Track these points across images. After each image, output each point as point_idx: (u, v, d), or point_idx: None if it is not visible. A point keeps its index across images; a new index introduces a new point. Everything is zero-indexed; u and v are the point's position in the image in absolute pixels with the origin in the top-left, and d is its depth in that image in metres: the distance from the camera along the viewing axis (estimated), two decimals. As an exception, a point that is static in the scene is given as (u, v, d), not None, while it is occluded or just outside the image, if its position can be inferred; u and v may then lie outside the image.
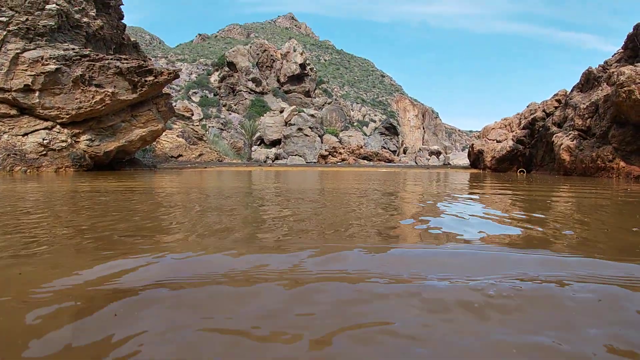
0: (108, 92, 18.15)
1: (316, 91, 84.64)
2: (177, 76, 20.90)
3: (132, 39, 23.98)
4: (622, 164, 17.75)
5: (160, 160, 29.51)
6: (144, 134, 20.29)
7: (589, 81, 23.25)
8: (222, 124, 65.32)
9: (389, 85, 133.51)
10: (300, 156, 55.04)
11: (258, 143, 59.80)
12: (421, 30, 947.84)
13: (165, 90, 22.68)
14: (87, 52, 18.39)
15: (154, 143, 30.37)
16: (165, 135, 33.04)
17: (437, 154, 57.71)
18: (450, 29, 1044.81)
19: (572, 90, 24.79)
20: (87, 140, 18.72)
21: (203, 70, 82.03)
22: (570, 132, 21.77)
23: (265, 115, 64.49)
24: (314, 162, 49.99)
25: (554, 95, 26.73)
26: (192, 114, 41.99)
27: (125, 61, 19.10)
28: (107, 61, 18.50)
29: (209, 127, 60.70)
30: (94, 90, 17.93)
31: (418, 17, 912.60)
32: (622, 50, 22.28)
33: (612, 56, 22.97)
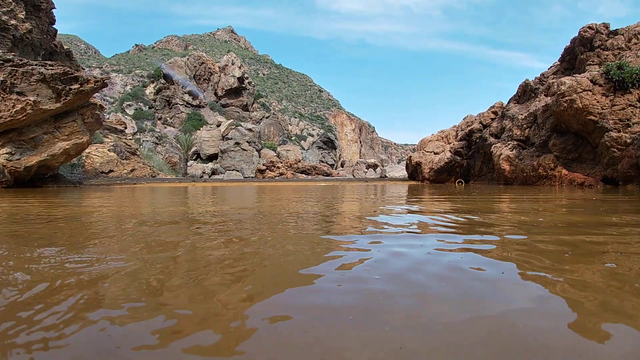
0: (30, 100, 15.63)
1: (254, 105, 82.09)
2: (104, 85, 18.65)
3: (65, 47, 21.65)
4: (564, 171, 17.36)
5: (90, 175, 26.92)
6: (67, 147, 17.68)
7: (525, 93, 23.06)
8: (157, 137, 61.60)
9: (326, 100, 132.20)
10: (238, 171, 52.91)
11: (194, 158, 56.91)
12: (358, 47, 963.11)
13: (94, 100, 20.54)
14: (11, 57, 15.90)
15: (84, 158, 27.82)
16: (96, 149, 30.44)
17: (374, 166, 57.26)
18: (387, 46, 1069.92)
19: (508, 102, 24.57)
20: (6, 153, 15.96)
21: (138, 81, 77.76)
22: (509, 142, 21.41)
23: (201, 129, 61.47)
24: (252, 177, 48.27)
25: (491, 107, 26.48)
26: (126, 127, 39.17)
27: (50, 67, 16.79)
28: (30, 67, 16.04)
29: (143, 141, 57.30)
30: (15, 98, 15.42)
31: (355, 34, 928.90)
32: (558, 63, 22.23)
33: (549, 69, 22.92)
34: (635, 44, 18.18)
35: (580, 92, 16.71)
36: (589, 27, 19.72)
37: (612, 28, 19.60)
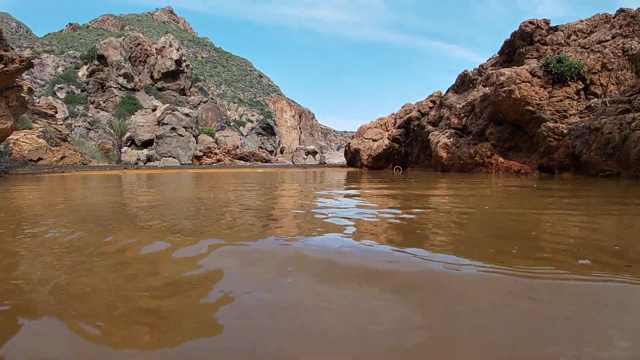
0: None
1: (192, 89, 78.00)
2: (31, 65, 16.68)
3: (-6, 26, 19.22)
4: (500, 159, 17.22)
5: (18, 164, 24.40)
6: (-13, 132, 15.87)
7: (464, 83, 22.91)
8: (89, 123, 57.07)
9: (266, 85, 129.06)
10: (175, 157, 50.13)
11: (128, 144, 53.20)
12: (300, 33, 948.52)
13: (22, 82, 18.40)
14: None
15: (11, 145, 25.22)
16: (25, 135, 27.69)
17: (314, 153, 56.59)
18: (329, 33, 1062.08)
19: (447, 92, 24.39)
20: None
21: (71, 63, 72.22)
22: (446, 131, 21.18)
23: (136, 113, 57.41)
24: (189, 164, 45.71)
25: (429, 96, 26.23)
26: (56, 112, 36.04)
27: (-30, 46, 14.69)
28: (-52, 45, 14.00)
29: (75, 126, 53.08)
30: None
31: (298, 20, 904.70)
32: (497, 56, 22.18)
33: (488, 61, 22.84)
34: (575, 40, 18.28)
35: (519, 83, 16.59)
36: (530, 22, 19.69)
37: (551, 25, 19.72)
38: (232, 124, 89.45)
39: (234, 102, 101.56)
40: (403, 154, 26.58)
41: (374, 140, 28.87)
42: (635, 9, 17.62)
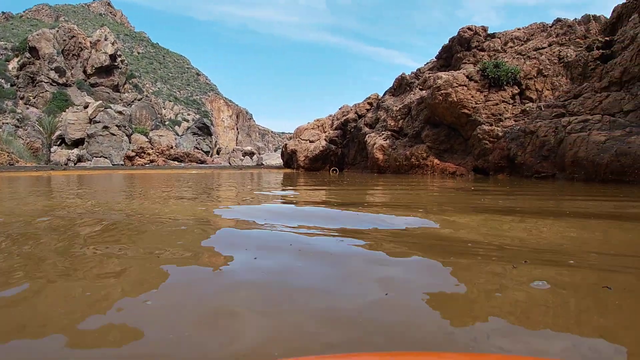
0: None
1: (126, 86, 73.12)
2: None
3: None
4: (436, 161, 16.81)
5: None
6: None
7: (401, 86, 22.54)
8: (18, 120, 52.35)
9: (204, 84, 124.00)
10: (106, 158, 46.47)
11: (58, 143, 48.71)
12: (241, 32, 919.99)
13: None
14: None
15: None
16: None
17: (251, 154, 55.15)
18: (270, 34, 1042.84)
19: (384, 94, 23.95)
20: None
21: (1, 55, 66.23)
22: (383, 133, 20.67)
23: (67, 110, 53.08)
24: (121, 164, 42.44)
25: (367, 98, 25.71)
26: None
27: None
28: None
29: (3, 123, 48.34)
30: None
31: (239, 19, 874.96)
32: (435, 60, 21.96)
33: (425, 65, 22.61)
34: (511, 47, 18.29)
35: (456, 86, 16.29)
36: (469, 28, 19.56)
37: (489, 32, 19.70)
38: (167, 123, 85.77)
39: (170, 101, 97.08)
40: (340, 155, 25.92)
41: (311, 142, 28.04)
42: (572, 19, 17.88)
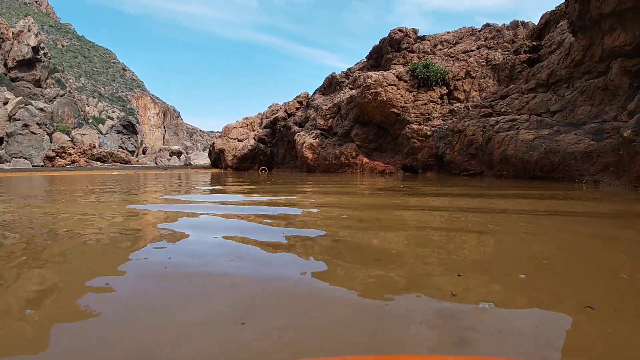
0: None
1: (48, 81, 67.40)
2: None
3: None
4: (365, 160, 16.24)
5: None
6: None
7: (331, 85, 21.92)
8: None
9: (130, 80, 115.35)
10: (26, 158, 42.36)
11: None
12: (171, 27, 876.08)
13: None
14: None
15: None
16: None
17: (178, 154, 52.79)
18: (201, 30, 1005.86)
19: (314, 93, 23.23)
20: None
21: None
22: (312, 131, 19.93)
23: None
24: (41, 165, 38.55)
25: (296, 97, 24.88)
26: None
27: None
28: None
29: None
30: None
31: (169, 13, 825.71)
32: (365, 60, 21.53)
33: (355, 65, 22.12)
34: (441, 50, 18.18)
35: (386, 86, 15.83)
36: (400, 30, 19.25)
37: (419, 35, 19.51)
38: (90, 121, 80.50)
39: (94, 97, 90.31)
40: (269, 154, 24.89)
41: (240, 141, 26.79)
42: (501, 24, 18.00)
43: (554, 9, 15.05)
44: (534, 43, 14.54)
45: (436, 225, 3.51)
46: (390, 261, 2.21)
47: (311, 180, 11.78)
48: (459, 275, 1.90)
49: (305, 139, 19.65)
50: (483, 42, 17.22)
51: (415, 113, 15.29)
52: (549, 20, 15.12)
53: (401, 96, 15.70)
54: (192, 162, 47.68)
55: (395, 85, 15.91)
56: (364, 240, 2.81)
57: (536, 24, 16.50)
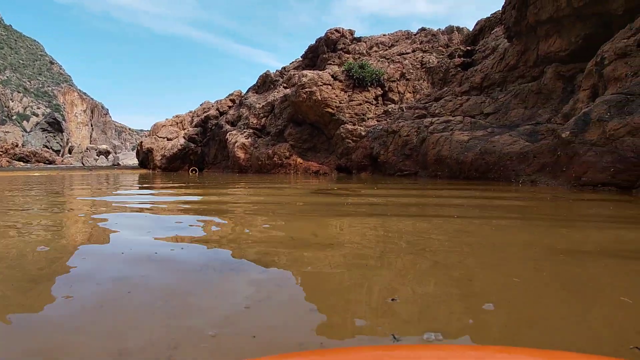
0: None
1: None
2: None
3: None
4: (299, 160, 15.52)
5: None
6: None
7: (265, 83, 21.04)
8: None
9: (57, 74, 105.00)
10: None
11: None
12: (102, 19, 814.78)
13: None
14: None
15: None
16: None
17: (106, 153, 49.83)
18: (133, 23, 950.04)
19: (247, 91, 22.23)
20: None
21: None
22: (245, 130, 18.98)
23: None
24: None
25: (229, 94, 23.74)
26: None
27: None
28: None
29: None
30: None
31: (101, 4, 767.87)
32: (301, 59, 20.82)
33: (290, 64, 21.33)
34: (376, 51, 17.87)
35: (321, 85, 15.21)
36: (336, 30, 18.72)
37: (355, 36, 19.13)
38: (14, 117, 74.76)
39: (19, 92, 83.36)
40: (200, 154, 23.54)
41: (169, 140, 25.23)
42: (437, 29, 17.92)
43: (489, 15, 15.18)
44: (468, 48, 14.47)
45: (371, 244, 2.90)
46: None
47: (243, 181, 10.93)
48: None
49: (238, 138, 18.65)
50: (418, 46, 17.06)
51: (350, 113, 14.78)
52: (484, 27, 15.21)
53: (336, 96, 15.13)
54: (120, 162, 45.10)
55: (330, 84, 15.33)
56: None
57: (471, 30, 16.53)
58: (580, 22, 8.93)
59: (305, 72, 16.15)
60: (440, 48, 16.57)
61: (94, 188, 8.48)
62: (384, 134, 12.83)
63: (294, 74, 17.71)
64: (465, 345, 1.02)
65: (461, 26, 17.93)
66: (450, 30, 17.81)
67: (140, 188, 9.01)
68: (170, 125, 26.23)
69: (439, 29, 17.96)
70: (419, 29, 18.37)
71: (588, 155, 6.37)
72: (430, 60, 15.57)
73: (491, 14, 15.05)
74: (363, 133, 13.75)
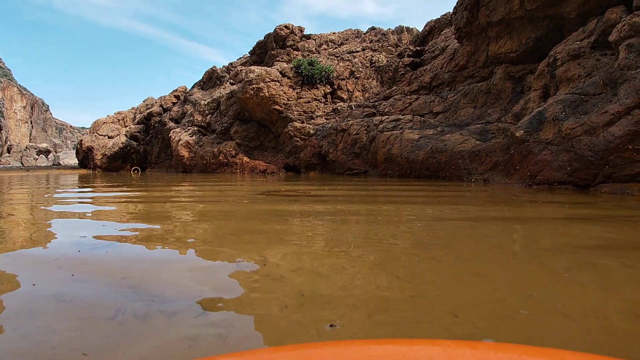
0: None
1: None
2: None
3: None
4: (245, 159, 14.72)
5: None
6: None
7: (211, 79, 20.04)
8: None
9: None
10: None
11: None
12: (44, 10, 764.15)
13: None
14: None
15: None
16: None
17: (47, 152, 46.90)
18: (76, 15, 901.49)
19: (192, 87, 21.12)
20: None
21: None
22: (189, 128, 17.95)
23: None
24: None
25: (174, 90, 22.52)
26: None
27: None
28: None
29: None
30: None
31: None
32: (248, 55, 19.98)
33: (238, 59, 20.43)
34: (325, 49, 17.36)
35: (269, 81, 14.50)
36: (285, 27, 18.02)
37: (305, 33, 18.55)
38: (-55, 113, 69.23)
39: None
40: (142, 153, 22.18)
41: (110, 137, 23.69)
42: (386, 29, 17.63)
43: (439, 17, 15.05)
44: (417, 48, 14.19)
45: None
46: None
47: (186, 181, 10.07)
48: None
49: (181, 136, 17.61)
50: (368, 45, 16.69)
51: (298, 111, 14.14)
52: (434, 28, 15.05)
53: (284, 93, 14.46)
54: (61, 162, 42.66)
55: (278, 81, 14.64)
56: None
57: (420, 30, 16.33)
58: (531, 24, 8.76)
59: (252, 67, 15.39)
60: (389, 47, 16.27)
61: (26, 192, 7.46)
62: (333, 133, 12.29)
63: (241, 70, 16.89)
64: (458, 340, 0.90)
65: (411, 27, 17.73)
66: (400, 30, 17.56)
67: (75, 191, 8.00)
68: (112, 122, 24.67)
69: (389, 28, 17.71)
70: (369, 28, 18.04)
71: (543, 154, 6.04)
72: (380, 60, 15.22)
73: (441, 15, 14.94)
74: (312, 131, 13.15)
